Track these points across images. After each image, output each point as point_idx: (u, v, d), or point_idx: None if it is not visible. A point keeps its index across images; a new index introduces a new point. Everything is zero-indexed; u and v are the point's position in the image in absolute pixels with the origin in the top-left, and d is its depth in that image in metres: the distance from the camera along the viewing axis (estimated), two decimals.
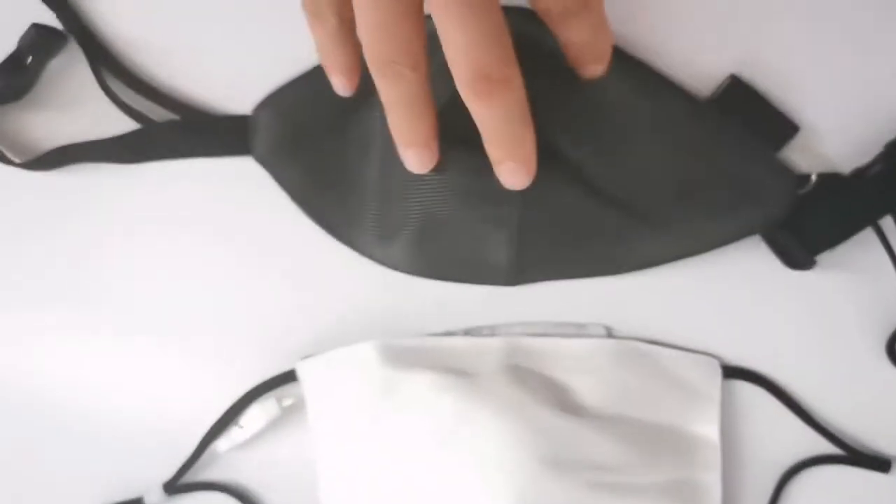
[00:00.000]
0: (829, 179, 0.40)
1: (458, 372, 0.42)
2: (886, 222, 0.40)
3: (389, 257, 0.42)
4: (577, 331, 0.43)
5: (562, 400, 0.41)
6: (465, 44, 0.28)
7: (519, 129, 0.31)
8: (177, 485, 0.43)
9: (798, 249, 0.41)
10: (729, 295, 0.43)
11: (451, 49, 0.28)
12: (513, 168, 0.32)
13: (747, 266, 0.43)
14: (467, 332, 0.43)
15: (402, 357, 0.42)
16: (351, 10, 0.30)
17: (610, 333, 0.43)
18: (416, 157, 0.34)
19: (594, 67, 0.35)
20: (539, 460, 0.39)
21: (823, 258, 0.41)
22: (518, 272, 0.42)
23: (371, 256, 0.42)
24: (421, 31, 0.29)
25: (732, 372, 0.43)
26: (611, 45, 0.34)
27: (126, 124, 0.42)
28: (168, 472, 0.43)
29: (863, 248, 0.41)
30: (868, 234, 0.40)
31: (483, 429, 0.40)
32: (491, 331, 0.43)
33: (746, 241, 0.41)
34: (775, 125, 0.40)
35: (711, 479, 0.42)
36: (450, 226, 0.39)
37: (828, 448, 0.43)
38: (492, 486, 0.39)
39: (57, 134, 0.43)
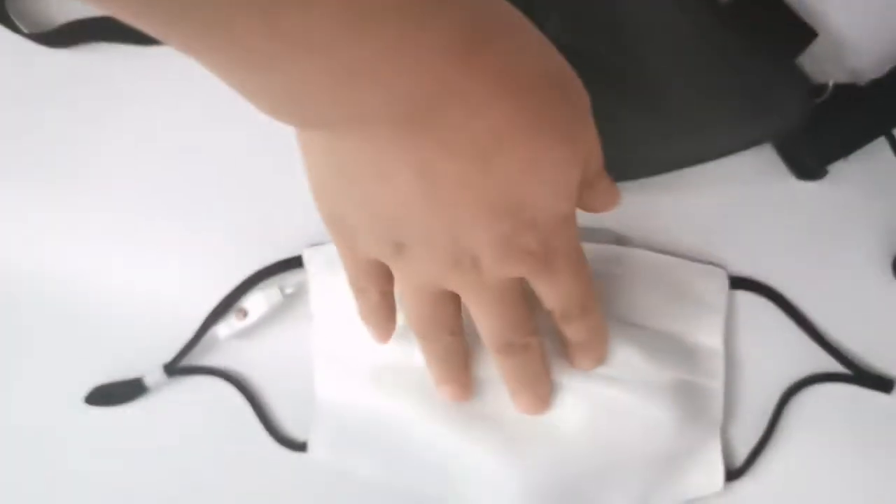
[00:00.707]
0: (846, 89, 0.40)
1: None
2: None
3: None
4: (585, 235, 0.43)
5: None
6: (492, 324, 0.35)
7: (536, 372, 0.38)
8: (177, 367, 0.43)
9: (810, 158, 0.41)
10: (738, 205, 0.43)
11: (482, 326, 0.35)
12: (530, 400, 0.38)
13: (757, 176, 0.43)
14: None
15: None
16: (389, 282, 0.36)
17: (618, 240, 0.43)
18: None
19: (586, 363, 0.39)
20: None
21: (834, 169, 0.41)
22: None
23: None
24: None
25: (739, 283, 0.43)
26: (605, 348, 0.39)
27: None
28: (169, 356, 0.43)
29: (874, 160, 0.41)
30: (880, 147, 0.40)
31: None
32: None
33: (757, 150, 0.41)
34: (794, 31, 0.40)
35: (714, 387, 0.42)
36: None
37: (831, 366, 0.43)
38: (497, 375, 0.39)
39: (72, 11, 0.43)
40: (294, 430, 0.43)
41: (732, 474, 0.42)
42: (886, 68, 0.40)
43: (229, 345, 0.44)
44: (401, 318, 0.40)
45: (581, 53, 0.38)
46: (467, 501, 0.41)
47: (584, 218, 0.43)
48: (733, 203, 0.43)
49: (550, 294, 0.35)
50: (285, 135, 0.43)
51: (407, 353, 0.41)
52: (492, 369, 0.39)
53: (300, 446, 0.43)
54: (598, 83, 0.39)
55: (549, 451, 0.39)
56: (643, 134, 0.41)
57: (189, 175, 0.44)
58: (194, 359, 0.44)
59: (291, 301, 0.43)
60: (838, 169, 0.41)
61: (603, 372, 0.40)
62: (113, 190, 0.44)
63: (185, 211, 0.44)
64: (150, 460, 0.44)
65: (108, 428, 0.43)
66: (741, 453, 0.43)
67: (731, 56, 0.40)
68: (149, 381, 0.43)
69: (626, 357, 0.40)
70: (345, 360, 0.42)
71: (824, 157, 0.40)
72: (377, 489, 0.42)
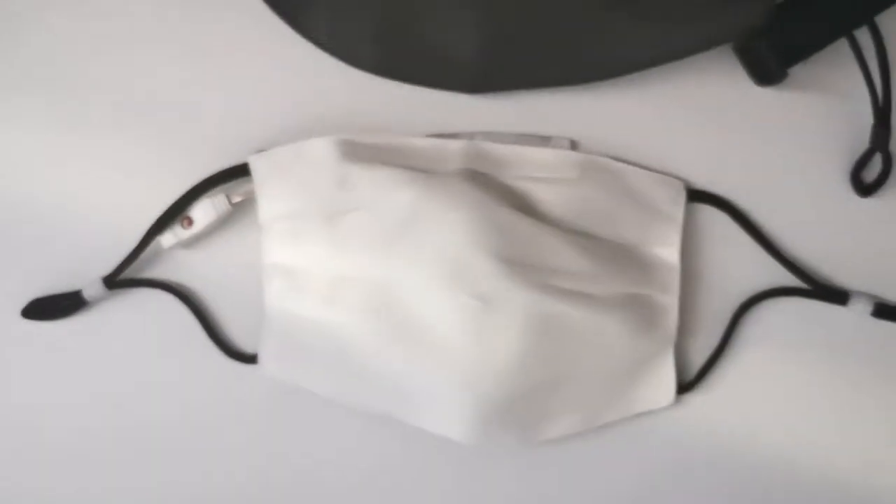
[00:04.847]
0: None
1: (417, 170, 0.40)
2: (862, 35, 0.39)
3: (347, 47, 0.40)
4: (542, 142, 0.42)
5: (522, 205, 0.40)
6: None
7: None
8: (117, 279, 0.41)
9: (771, 59, 0.40)
10: (696, 113, 0.42)
11: None
12: None
13: (716, 83, 0.42)
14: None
15: (360, 153, 0.40)
16: None
17: (574, 147, 0.42)
18: None
19: None
20: (495, 256, 0.38)
21: (794, 76, 0.40)
22: (484, 73, 0.41)
23: (325, 45, 0.41)
24: None
25: (697, 195, 0.42)
26: None
27: None
28: (111, 268, 0.41)
29: (835, 64, 0.41)
30: (841, 54, 0.40)
31: (439, 222, 0.38)
32: (452, 137, 0.42)
33: (716, 56, 0.40)
34: None
35: (668, 301, 0.41)
36: (415, 8, 0.38)
37: (788, 279, 0.42)
38: (446, 282, 0.38)
39: None
40: (245, 344, 0.42)
41: (684, 387, 0.42)
42: None
43: (175, 257, 0.42)
44: (361, 232, 0.39)
45: None
46: (418, 421, 0.41)
47: (538, 124, 0.42)
48: (691, 111, 0.42)
49: None
50: (234, 41, 0.42)
51: (360, 268, 0.40)
52: (438, 301, 0.38)
53: (250, 358, 0.41)
54: None
55: (497, 369, 0.38)
56: (603, 29, 0.40)
57: (132, 81, 0.42)
58: (137, 271, 0.42)
59: (240, 210, 0.41)
60: (798, 76, 0.41)
61: (553, 284, 0.39)
62: (51, 94, 0.42)
63: (129, 116, 0.42)
64: (91, 377, 0.42)
65: (46, 344, 0.42)
66: (696, 367, 0.42)
67: None
68: (88, 293, 0.41)
69: (576, 269, 0.39)
70: (295, 272, 0.41)
71: (785, 59, 0.40)
72: (328, 403, 0.41)
